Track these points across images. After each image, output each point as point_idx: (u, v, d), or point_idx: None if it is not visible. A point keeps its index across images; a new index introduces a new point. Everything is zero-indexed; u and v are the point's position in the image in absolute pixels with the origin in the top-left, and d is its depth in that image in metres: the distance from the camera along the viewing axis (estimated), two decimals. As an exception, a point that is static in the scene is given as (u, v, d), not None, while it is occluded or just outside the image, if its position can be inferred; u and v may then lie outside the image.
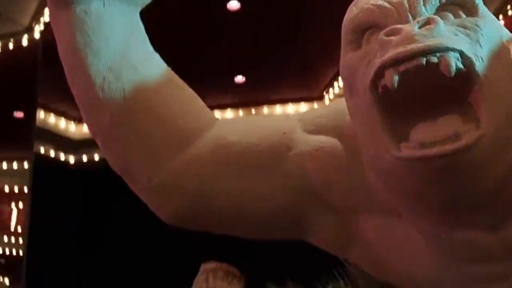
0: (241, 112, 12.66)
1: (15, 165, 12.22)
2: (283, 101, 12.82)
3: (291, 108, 12.68)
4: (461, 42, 1.88)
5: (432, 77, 1.86)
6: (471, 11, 2.02)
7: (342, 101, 2.46)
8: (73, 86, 2.72)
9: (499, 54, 2.00)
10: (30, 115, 11.40)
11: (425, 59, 1.81)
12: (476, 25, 1.96)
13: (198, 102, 2.89)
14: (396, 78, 1.84)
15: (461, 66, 1.85)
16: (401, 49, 1.83)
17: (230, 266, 2.42)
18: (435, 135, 1.87)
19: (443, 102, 1.94)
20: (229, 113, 12.43)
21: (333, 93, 12.38)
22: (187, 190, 2.65)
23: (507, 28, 2.40)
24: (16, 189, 12.50)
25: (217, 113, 12.26)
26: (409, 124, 1.96)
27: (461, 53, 1.85)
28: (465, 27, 1.94)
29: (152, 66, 2.76)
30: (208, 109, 2.92)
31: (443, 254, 2.25)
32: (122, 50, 2.68)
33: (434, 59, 1.81)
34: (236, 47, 10.82)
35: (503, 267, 2.28)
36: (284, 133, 2.67)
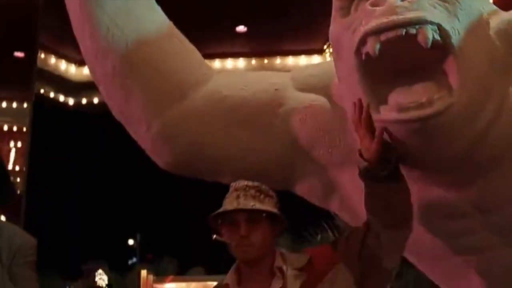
0: (241, 62, 12.75)
1: (14, 105, 12.35)
2: (284, 53, 12.88)
3: (291, 60, 12.76)
4: (440, 15, 2.03)
5: (411, 46, 2.02)
6: (452, -14, 2.16)
7: (332, 63, 2.62)
8: (78, 35, 2.87)
9: (477, 28, 2.15)
10: (31, 56, 11.47)
11: (404, 30, 1.96)
12: (456, -1, 2.10)
13: (196, 56, 3.05)
14: (377, 46, 2.00)
15: (438, 37, 2.01)
16: (383, 20, 1.98)
17: (261, 184, 2.24)
18: (411, 100, 2.04)
19: (421, 69, 2.10)
20: (229, 63, 12.52)
21: (334, 47, 12.44)
22: (183, 139, 2.83)
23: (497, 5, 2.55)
24: (15, 128, 12.68)
25: (218, 63, 12.35)
26: (388, 88, 2.13)
27: (439, 26, 2.00)
28: (445, 1, 2.08)
29: (154, 19, 2.90)
30: (205, 63, 3.07)
31: (418, 209, 2.45)
32: (126, 2, 2.82)
33: (413, 31, 1.96)
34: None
35: (470, 223, 2.50)
36: (277, 89, 2.83)
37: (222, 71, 11.75)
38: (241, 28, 12.14)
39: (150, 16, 2.87)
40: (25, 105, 12.49)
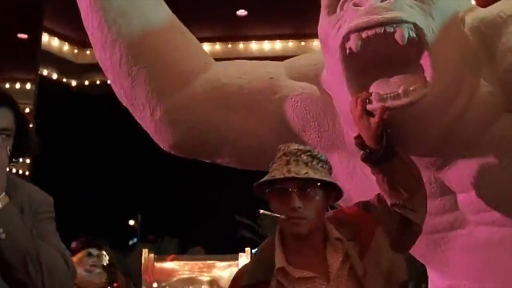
0: (241, 45, 12.91)
1: (17, 85, 12.53)
2: (284, 36, 13.03)
3: (291, 44, 12.91)
4: (415, 15, 2.25)
5: (389, 43, 2.25)
6: (429, -13, 2.38)
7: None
8: (87, 26, 3.08)
9: (451, 25, 2.37)
10: (35, 38, 11.63)
11: (383, 28, 2.19)
12: (431, 0, 2.33)
13: (197, 46, 3.27)
14: (359, 42, 2.24)
15: (413, 35, 2.23)
16: (364, 19, 2.21)
17: (313, 149, 2.04)
18: (388, 90, 2.27)
19: (399, 63, 2.33)
20: (229, 46, 12.67)
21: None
22: (184, 123, 3.06)
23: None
24: (18, 109, 12.85)
25: (218, 46, 12.51)
26: (369, 80, 2.36)
27: (414, 25, 2.23)
28: (421, 1, 2.30)
29: (158, 12, 3.11)
30: (206, 53, 3.29)
31: None
32: None
33: (390, 29, 2.19)
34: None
35: (448, 202, 2.75)
36: (271, 78, 3.06)
37: (224, 54, 11.96)
38: (241, 12, 12.27)
39: (155, 9, 3.08)
40: (28, 86, 12.66)
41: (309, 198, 1.93)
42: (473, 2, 2.99)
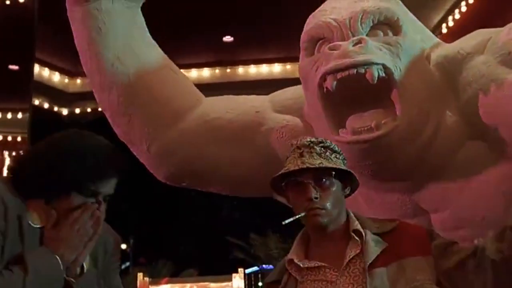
0: (228, 70, 13.21)
1: (9, 116, 12.71)
2: (270, 60, 13.36)
3: (277, 68, 13.23)
4: (384, 56, 2.53)
5: (362, 82, 2.52)
6: (396, 31, 2.67)
7: (304, 89, 3.11)
8: (86, 69, 3.32)
9: (416, 64, 2.65)
10: (27, 68, 11.85)
11: (355, 70, 2.46)
12: (398, 42, 2.61)
13: (188, 83, 3.52)
14: (334, 83, 2.51)
15: (383, 74, 2.51)
16: (338, 62, 2.48)
17: (326, 140, 1.99)
18: (362, 125, 2.54)
19: (371, 100, 2.60)
20: (217, 71, 12.98)
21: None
22: (178, 156, 3.30)
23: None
24: (9, 138, 13.03)
25: (206, 71, 12.79)
26: (345, 115, 2.62)
27: (383, 65, 2.51)
28: (389, 44, 2.59)
29: (151, 53, 3.36)
30: (196, 89, 3.54)
31: (381, 211, 2.93)
32: (127, 40, 3.27)
33: (362, 70, 2.47)
34: (225, 8, 11.29)
35: (422, 221, 2.99)
36: (257, 112, 3.31)
37: (211, 79, 12.23)
38: (227, 38, 12.59)
39: (148, 51, 3.34)
40: (19, 115, 12.81)
41: (325, 188, 1.91)
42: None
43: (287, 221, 1.97)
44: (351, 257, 1.88)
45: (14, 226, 1.57)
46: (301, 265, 1.93)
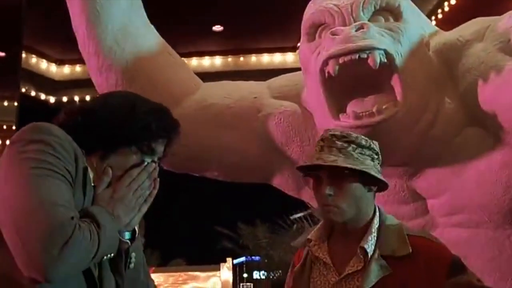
0: (218, 60, 13.17)
1: (-3, 103, 12.60)
2: (259, 50, 13.35)
3: (266, 58, 13.22)
4: (386, 42, 2.54)
5: (364, 67, 2.53)
6: (397, 17, 2.68)
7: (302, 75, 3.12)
8: (84, 53, 3.30)
9: (416, 50, 2.67)
10: (14, 55, 11.73)
11: (358, 55, 2.47)
12: (399, 28, 2.62)
13: (186, 69, 3.52)
14: (336, 67, 2.51)
15: (384, 60, 2.52)
16: (341, 46, 2.49)
17: (351, 134, 1.88)
18: (363, 109, 2.55)
19: (372, 85, 2.61)
20: (206, 61, 12.93)
21: (307, 45, 12.90)
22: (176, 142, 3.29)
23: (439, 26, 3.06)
24: (-5, 126, 12.93)
25: (195, 61, 12.75)
26: (346, 99, 2.64)
27: (385, 51, 2.52)
28: (390, 30, 2.60)
29: (149, 37, 3.35)
30: (194, 75, 3.54)
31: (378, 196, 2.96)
32: (125, 23, 3.25)
33: (364, 56, 2.47)
34: (215, -3, 11.26)
35: (412, 208, 3.02)
36: (255, 97, 3.32)
37: (200, 69, 12.20)
38: (217, 28, 12.56)
39: (146, 35, 3.32)
40: (5, 103, 12.69)
41: (340, 187, 1.83)
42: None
43: (295, 216, 1.92)
44: (350, 272, 1.83)
45: (80, 176, 1.44)
46: (313, 251, 1.93)
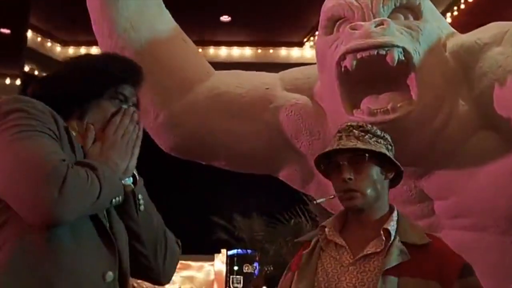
0: (224, 51, 13.15)
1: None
2: (265, 43, 13.32)
3: (272, 52, 13.19)
4: (405, 40, 2.53)
5: (381, 63, 2.52)
6: (417, 15, 2.67)
7: (316, 68, 3.12)
8: (97, 33, 3.28)
9: (434, 50, 2.66)
10: (19, 33, 11.68)
11: (376, 51, 2.46)
12: (418, 27, 2.61)
13: (199, 55, 3.50)
14: (354, 62, 2.50)
15: (402, 58, 2.51)
16: (360, 42, 2.48)
17: (367, 124, 1.98)
18: (378, 106, 2.54)
19: (388, 82, 2.60)
20: (212, 50, 12.91)
21: (313, 41, 12.88)
22: (185, 128, 3.28)
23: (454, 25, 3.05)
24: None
25: (200, 50, 12.73)
26: (361, 95, 2.62)
27: (403, 48, 2.51)
28: (410, 28, 2.59)
29: (164, 21, 3.33)
30: (206, 62, 3.52)
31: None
32: (140, 6, 3.24)
33: (383, 52, 2.46)
34: (225, -13, 11.22)
35: (418, 209, 3.02)
36: (267, 88, 3.30)
37: (205, 59, 12.15)
38: (225, 18, 12.52)
39: (160, 19, 3.30)
40: (7, 81, 12.67)
41: (360, 171, 1.89)
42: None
43: (319, 201, 2.07)
44: (369, 252, 1.86)
45: (63, 135, 1.47)
46: (328, 235, 1.95)
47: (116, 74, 1.66)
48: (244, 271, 11.57)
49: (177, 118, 3.24)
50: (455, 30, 3.07)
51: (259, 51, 13.32)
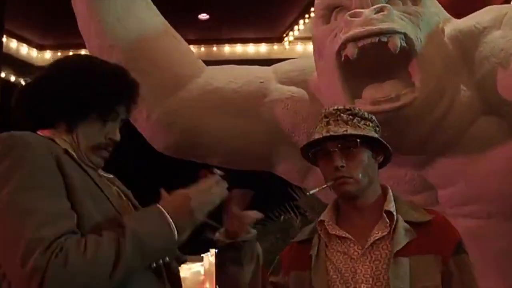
0: (203, 49, 13.03)
1: (-27, 88, 12.32)
2: (244, 40, 13.22)
3: (251, 48, 13.10)
4: (406, 26, 2.47)
5: (382, 51, 2.46)
6: (416, 1, 2.62)
7: (310, 59, 3.05)
8: (85, 34, 3.18)
9: (434, 36, 2.61)
10: (-6, 39, 11.48)
11: (378, 38, 2.40)
12: (418, 12, 2.56)
13: (189, 51, 3.41)
14: (355, 50, 2.44)
15: (404, 44, 2.45)
16: (360, 29, 2.41)
17: (354, 108, 1.92)
18: (382, 95, 2.48)
19: (389, 70, 2.54)
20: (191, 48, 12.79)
21: (293, 36, 12.82)
22: (179, 126, 3.20)
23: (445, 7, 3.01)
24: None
25: (180, 49, 12.59)
26: (362, 84, 2.57)
27: (405, 35, 2.45)
28: (409, 14, 2.53)
29: (152, 17, 3.23)
30: (197, 58, 3.44)
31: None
32: (127, 4, 3.14)
33: (384, 39, 2.40)
34: (201, -15, 11.11)
35: (421, 198, 2.97)
36: (262, 82, 3.23)
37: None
38: (203, 16, 12.40)
39: (148, 15, 3.21)
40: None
41: (352, 157, 1.82)
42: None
43: (311, 192, 1.92)
44: (376, 238, 1.80)
45: (73, 180, 1.36)
46: (329, 230, 1.88)
47: (110, 96, 1.56)
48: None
49: (171, 116, 3.16)
50: (449, 15, 3.03)
51: (239, 47, 13.22)
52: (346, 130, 1.82)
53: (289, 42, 13.13)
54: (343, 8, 2.63)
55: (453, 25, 2.82)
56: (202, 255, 11.59)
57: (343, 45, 2.48)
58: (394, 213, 1.81)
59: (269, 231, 9.84)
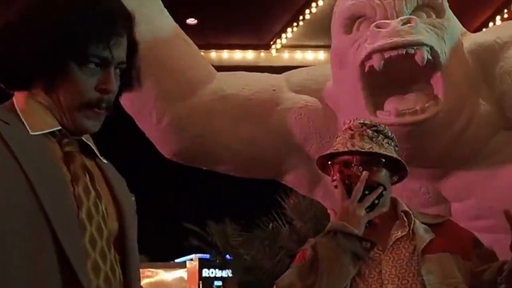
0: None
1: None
2: (231, 46, 13.18)
3: (238, 55, 13.05)
4: (432, 39, 2.46)
5: (407, 63, 2.44)
6: (440, 13, 2.61)
7: (325, 68, 3.02)
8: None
9: (456, 49, 2.61)
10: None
11: (405, 50, 2.39)
12: (442, 25, 2.55)
13: (201, 56, 3.36)
14: (381, 62, 2.42)
15: (430, 57, 2.44)
16: (388, 40, 2.39)
17: (380, 124, 1.92)
18: (406, 107, 2.47)
19: (412, 82, 2.53)
20: (178, 54, 12.69)
21: (280, 44, 12.81)
22: (189, 132, 3.14)
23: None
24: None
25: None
26: (385, 96, 2.55)
27: (431, 47, 2.44)
28: (434, 26, 2.53)
29: (164, 21, 3.18)
30: (208, 63, 3.39)
31: (400, 198, 2.89)
32: (138, 7, 3.07)
33: (412, 51, 2.39)
34: (190, -11, 11.04)
35: (435, 211, 2.95)
36: (274, 90, 3.19)
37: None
38: (191, 21, 12.34)
39: (160, 19, 3.16)
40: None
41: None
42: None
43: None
44: (397, 237, 1.85)
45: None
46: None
47: (82, 31, 1.19)
48: (217, 275, 11.44)
49: (181, 122, 3.10)
50: (465, 29, 3.03)
51: (225, 54, 13.18)
52: (372, 148, 1.84)
53: (277, 49, 13.12)
54: (366, 19, 2.60)
55: (471, 39, 2.82)
56: (185, 260, 11.53)
57: (368, 56, 2.45)
58: (411, 212, 1.88)
59: (256, 239, 9.83)
